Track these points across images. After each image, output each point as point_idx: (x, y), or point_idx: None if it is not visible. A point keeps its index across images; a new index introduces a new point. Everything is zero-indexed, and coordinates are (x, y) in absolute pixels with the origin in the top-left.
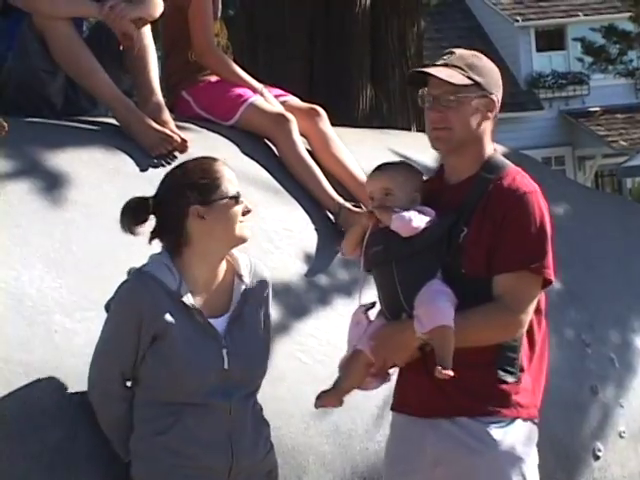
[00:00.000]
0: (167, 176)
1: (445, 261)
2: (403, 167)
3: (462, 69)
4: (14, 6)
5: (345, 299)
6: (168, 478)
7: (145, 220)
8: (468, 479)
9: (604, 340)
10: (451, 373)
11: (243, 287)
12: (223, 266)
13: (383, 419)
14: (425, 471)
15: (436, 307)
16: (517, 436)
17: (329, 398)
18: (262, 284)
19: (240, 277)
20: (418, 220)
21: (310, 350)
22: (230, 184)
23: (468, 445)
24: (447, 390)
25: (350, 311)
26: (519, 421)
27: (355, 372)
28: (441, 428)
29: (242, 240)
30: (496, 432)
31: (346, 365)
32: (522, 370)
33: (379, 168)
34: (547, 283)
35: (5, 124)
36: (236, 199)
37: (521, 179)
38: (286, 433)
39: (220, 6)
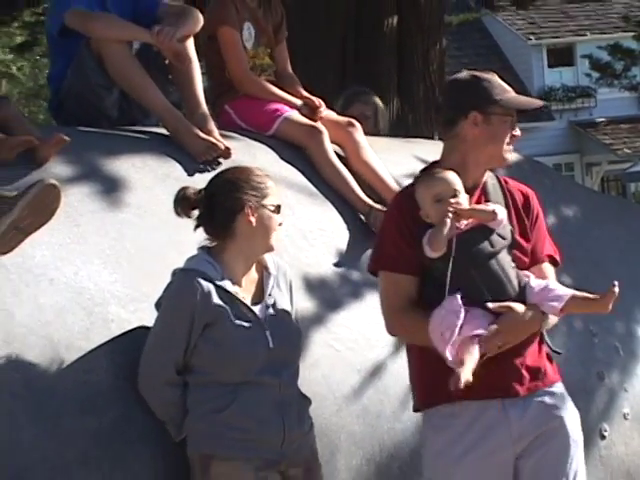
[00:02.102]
0: (222, 173)
1: None
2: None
3: None
4: (72, 28)
5: (374, 292)
6: (229, 451)
7: (195, 207)
8: (562, 437)
9: (610, 330)
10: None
11: (272, 279)
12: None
13: (408, 401)
14: (508, 448)
15: (554, 286)
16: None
17: None
18: (285, 276)
19: (267, 270)
20: (501, 213)
21: (342, 339)
22: (275, 196)
23: (556, 408)
24: (523, 369)
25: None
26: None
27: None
28: (522, 404)
29: (270, 249)
30: (564, 394)
31: (464, 355)
32: None
33: (438, 172)
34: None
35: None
36: (278, 210)
37: (517, 182)
38: (320, 414)
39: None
